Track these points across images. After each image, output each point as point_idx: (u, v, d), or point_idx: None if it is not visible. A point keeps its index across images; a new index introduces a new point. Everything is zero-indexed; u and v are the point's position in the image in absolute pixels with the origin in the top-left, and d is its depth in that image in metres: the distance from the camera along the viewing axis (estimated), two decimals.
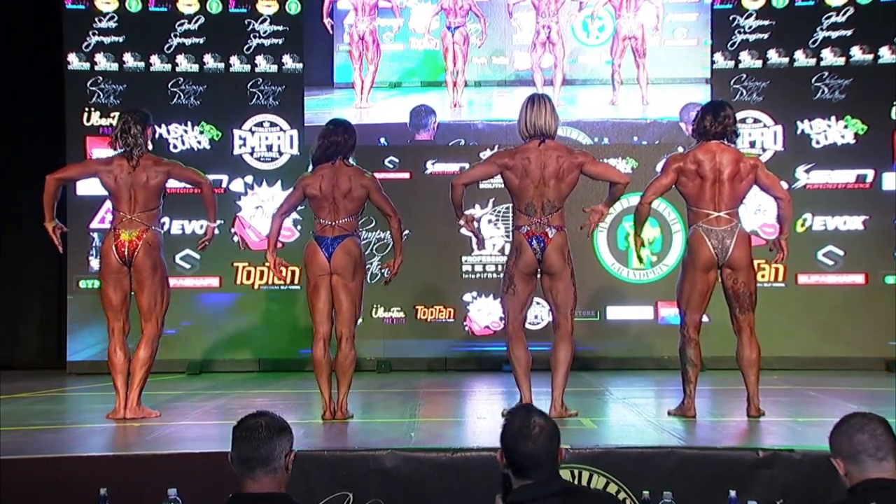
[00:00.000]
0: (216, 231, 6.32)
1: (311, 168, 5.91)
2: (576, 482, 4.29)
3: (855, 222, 8.78)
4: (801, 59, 8.86)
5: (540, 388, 5.74)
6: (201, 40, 8.91)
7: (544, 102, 5.78)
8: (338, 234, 5.71)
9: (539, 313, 8.49)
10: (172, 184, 6.18)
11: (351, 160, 5.84)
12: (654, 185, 5.85)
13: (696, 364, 5.68)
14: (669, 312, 8.76)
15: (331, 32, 8.95)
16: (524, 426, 2.87)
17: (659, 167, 8.80)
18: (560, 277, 5.67)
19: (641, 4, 8.88)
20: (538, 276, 5.73)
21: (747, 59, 8.89)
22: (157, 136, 6.42)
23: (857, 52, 8.79)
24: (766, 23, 8.87)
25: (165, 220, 8.20)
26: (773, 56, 8.88)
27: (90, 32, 8.82)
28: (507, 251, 8.76)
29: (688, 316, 5.72)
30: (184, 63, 8.90)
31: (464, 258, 8.89)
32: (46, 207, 5.98)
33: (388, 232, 8.66)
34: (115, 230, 5.89)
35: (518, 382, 5.71)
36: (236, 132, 8.93)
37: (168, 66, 8.89)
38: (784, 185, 8.47)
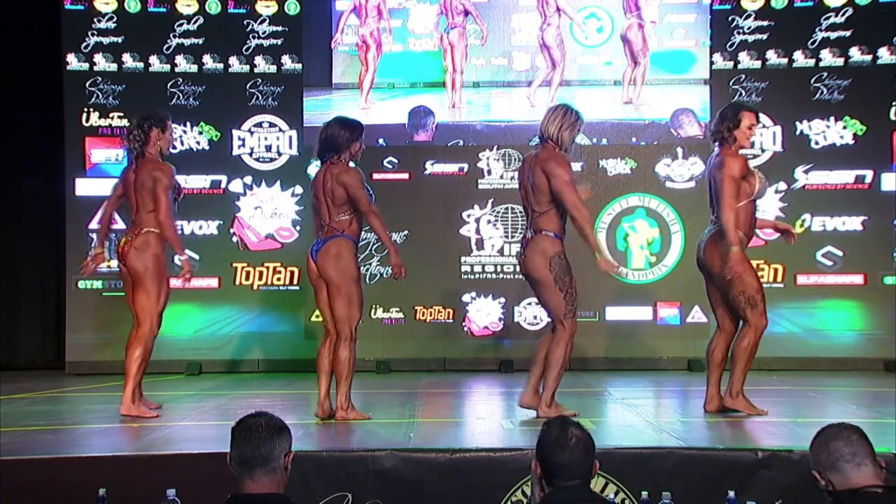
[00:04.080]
0: (195, 258, 6.29)
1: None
2: None
3: (854, 223, 8.78)
4: (800, 59, 8.86)
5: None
6: (200, 41, 8.90)
7: (551, 108, 5.81)
8: (327, 235, 5.66)
9: (538, 314, 8.49)
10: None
11: (345, 158, 5.70)
12: None
13: (708, 361, 5.79)
14: (668, 313, 8.78)
15: (340, 42, 8.93)
16: (561, 436, 2.89)
17: (658, 168, 8.87)
18: (543, 284, 5.60)
19: (640, 5, 8.89)
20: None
21: (746, 60, 8.89)
22: (173, 137, 6.36)
23: (855, 53, 8.79)
24: (765, 23, 8.87)
25: None
26: (772, 57, 8.88)
27: (89, 33, 8.82)
28: (506, 251, 8.83)
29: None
30: (183, 63, 8.89)
31: (463, 259, 8.89)
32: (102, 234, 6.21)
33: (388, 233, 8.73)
34: (123, 233, 6.03)
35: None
36: (235, 133, 8.92)
37: (167, 67, 8.89)
38: (779, 189, 8.54)
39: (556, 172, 5.50)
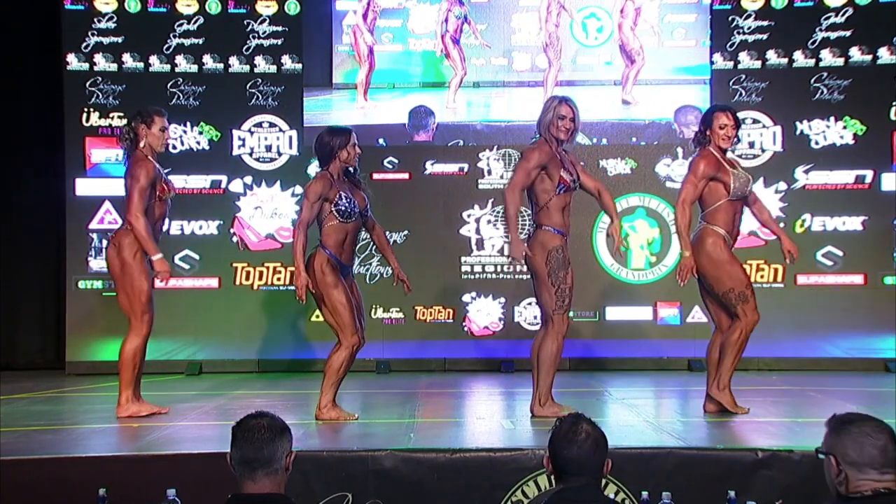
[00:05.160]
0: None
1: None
2: None
3: (854, 223, 8.77)
4: (801, 59, 8.86)
5: (528, 388, 5.75)
6: (200, 41, 8.90)
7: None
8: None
9: (539, 313, 8.47)
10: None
11: (333, 167, 5.69)
12: None
13: (708, 362, 5.81)
14: (668, 313, 8.78)
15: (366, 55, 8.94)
16: (571, 431, 2.90)
17: (658, 168, 8.88)
18: (538, 277, 5.61)
19: (640, 5, 8.89)
20: None
21: (746, 60, 8.89)
22: (169, 135, 6.19)
23: (856, 53, 8.79)
24: (766, 23, 8.87)
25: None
26: (773, 57, 8.88)
27: (89, 33, 8.81)
28: (506, 251, 8.83)
29: None
30: (183, 63, 8.89)
31: (463, 258, 8.89)
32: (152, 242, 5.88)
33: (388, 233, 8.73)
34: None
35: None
36: (235, 133, 8.92)
37: (167, 67, 8.89)
38: (779, 189, 8.55)
39: (526, 156, 5.61)
